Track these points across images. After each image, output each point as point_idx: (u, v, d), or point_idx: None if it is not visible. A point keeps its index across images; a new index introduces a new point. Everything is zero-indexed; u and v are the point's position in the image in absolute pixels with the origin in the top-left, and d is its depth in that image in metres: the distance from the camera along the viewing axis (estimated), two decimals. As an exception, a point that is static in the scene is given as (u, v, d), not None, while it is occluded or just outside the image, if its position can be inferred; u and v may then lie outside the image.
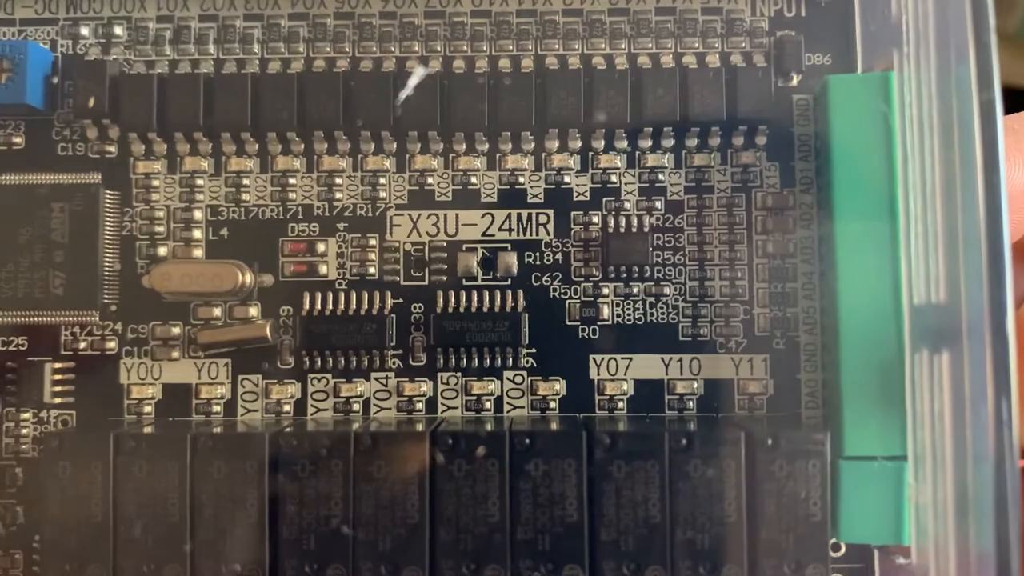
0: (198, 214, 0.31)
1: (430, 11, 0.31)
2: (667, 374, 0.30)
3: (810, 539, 0.26)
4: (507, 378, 0.30)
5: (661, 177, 0.30)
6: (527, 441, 0.26)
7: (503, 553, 0.26)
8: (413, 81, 0.29)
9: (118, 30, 0.31)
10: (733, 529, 0.26)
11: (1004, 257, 0.21)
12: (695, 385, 0.30)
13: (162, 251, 0.31)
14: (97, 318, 0.30)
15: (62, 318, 0.30)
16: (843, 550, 0.29)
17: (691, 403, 0.30)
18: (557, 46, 0.31)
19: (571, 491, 0.26)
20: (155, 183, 0.31)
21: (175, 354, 0.30)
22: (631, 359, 0.30)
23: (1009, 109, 0.31)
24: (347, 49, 0.31)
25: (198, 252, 0.31)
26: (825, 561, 0.26)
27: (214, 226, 0.31)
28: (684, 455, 0.26)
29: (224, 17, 0.31)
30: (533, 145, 0.30)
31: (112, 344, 0.30)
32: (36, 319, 0.30)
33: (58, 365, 0.30)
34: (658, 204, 0.30)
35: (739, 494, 0.26)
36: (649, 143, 0.30)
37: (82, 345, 0.30)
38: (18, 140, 0.31)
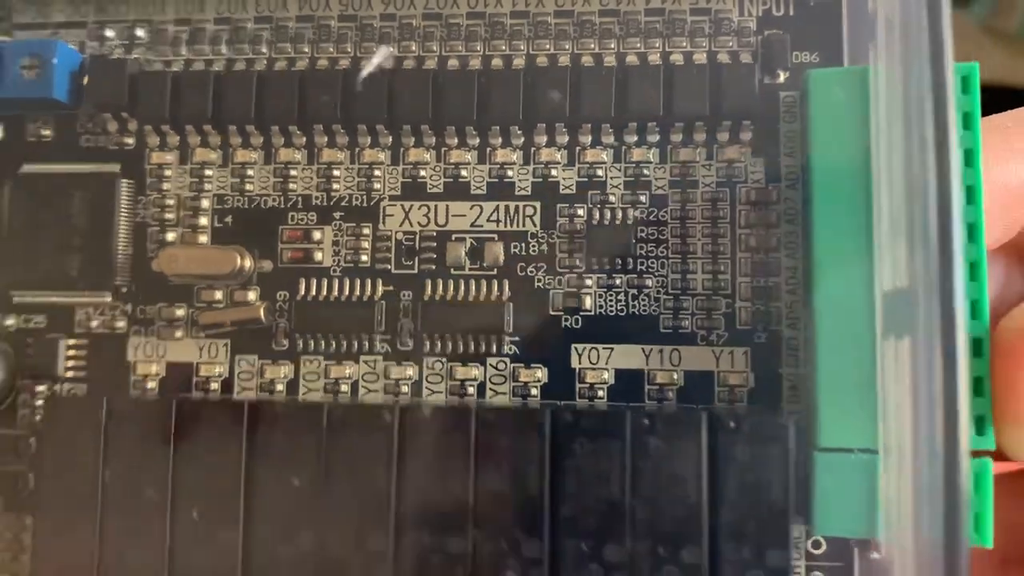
0: (205, 202, 0.32)
1: (427, 13, 0.32)
2: (647, 364, 0.30)
3: (772, 524, 0.26)
4: (490, 364, 0.31)
5: (646, 171, 0.31)
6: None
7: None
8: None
9: (140, 32, 0.34)
10: (694, 511, 0.26)
11: (954, 241, 0.21)
12: (675, 376, 0.30)
13: (170, 237, 0.32)
14: (110, 299, 0.32)
15: (78, 299, 0.32)
16: (824, 547, 0.29)
17: (670, 393, 0.30)
18: (548, 46, 0.32)
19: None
20: (167, 173, 0.33)
21: (179, 334, 0.32)
22: (612, 349, 0.31)
23: (1010, 109, 0.31)
24: (348, 49, 0.33)
25: (204, 238, 0.32)
26: (787, 547, 0.26)
27: (220, 214, 0.33)
28: (647, 436, 0.26)
29: (236, 19, 0.33)
30: (522, 140, 0.31)
31: (122, 324, 0.32)
32: (54, 299, 0.32)
33: (72, 342, 0.32)
34: (642, 198, 0.31)
35: (700, 476, 0.26)
36: (635, 138, 0.31)
37: (95, 324, 0.32)
38: (47, 132, 0.33)
